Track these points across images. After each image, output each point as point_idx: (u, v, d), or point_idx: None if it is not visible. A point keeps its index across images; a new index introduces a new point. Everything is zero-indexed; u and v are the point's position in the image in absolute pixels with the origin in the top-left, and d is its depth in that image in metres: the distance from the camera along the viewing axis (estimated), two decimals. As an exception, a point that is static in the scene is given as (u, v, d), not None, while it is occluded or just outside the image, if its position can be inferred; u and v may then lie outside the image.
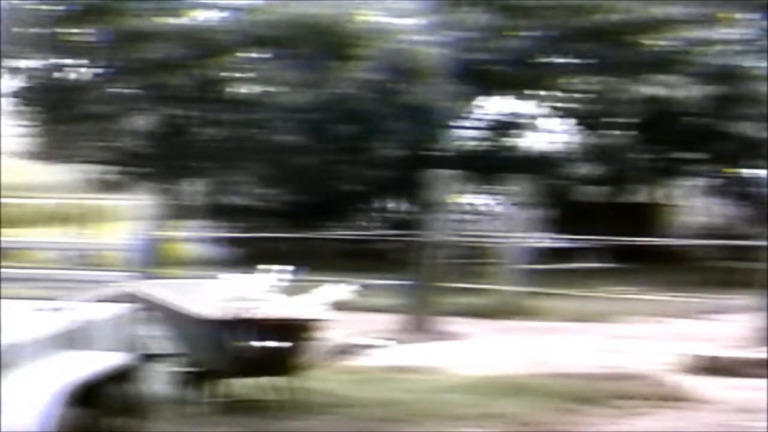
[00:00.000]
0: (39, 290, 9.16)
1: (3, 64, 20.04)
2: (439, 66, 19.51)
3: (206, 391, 8.40)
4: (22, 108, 20.60)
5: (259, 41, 20.12)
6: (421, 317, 13.05)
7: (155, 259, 13.03)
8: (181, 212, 20.96)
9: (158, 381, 6.94)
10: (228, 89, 20.61)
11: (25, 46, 19.96)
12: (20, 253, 17.44)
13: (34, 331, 5.34)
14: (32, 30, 19.77)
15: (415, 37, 19.85)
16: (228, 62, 20.18)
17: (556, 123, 23.09)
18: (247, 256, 17.22)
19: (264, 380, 8.58)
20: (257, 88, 20.77)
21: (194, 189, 21.68)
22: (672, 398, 9.30)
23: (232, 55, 20.22)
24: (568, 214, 21.15)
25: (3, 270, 10.88)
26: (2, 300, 6.62)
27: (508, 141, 22.65)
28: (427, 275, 13.33)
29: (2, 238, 17.76)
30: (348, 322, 9.93)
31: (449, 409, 8.66)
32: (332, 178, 20.47)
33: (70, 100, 19.83)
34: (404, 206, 22.45)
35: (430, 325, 12.98)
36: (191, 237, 21.16)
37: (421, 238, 13.67)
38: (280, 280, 8.48)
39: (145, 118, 19.57)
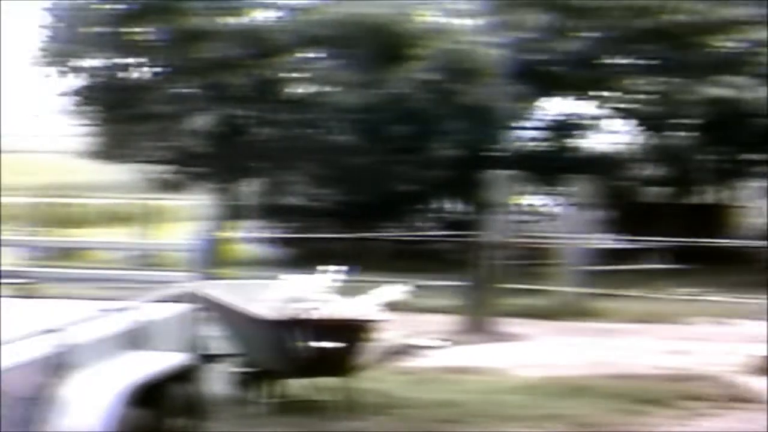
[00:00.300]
0: (102, 290, 9.17)
1: (65, 63, 20.21)
2: (498, 66, 19.39)
3: (263, 391, 8.40)
4: (84, 107, 20.77)
5: (315, 41, 20.13)
6: (478, 318, 12.96)
7: (214, 260, 13.05)
8: (239, 212, 21.04)
9: (217, 381, 6.94)
10: (285, 89, 20.63)
11: (87, 45, 20.13)
12: (83, 253, 17.59)
13: (98, 332, 5.36)
14: (94, 29, 19.94)
15: (474, 38, 19.74)
16: (285, 62, 20.21)
17: (619, 124, 22.87)
18: (303, 257, 17.25)
19: (320, 381, 8.56)
20: (313, 88, 20.78)
21: (251, 189, 21.74)
22: (737, 399, 9.16)
23: (289, 54, 20.24)
24: (630, 214, 20.94)
25: (66, 270, 10.95)
26: (66, 300, 6.67)
27: (569, 142, 22.47)
28: (485, 276, 13.22)
29: (66, 238, 17.95)
30: (404, 323, 9.88)
31: (508, 411, 8.58)
32: (387, 178, 20.41)
33: (130, 99, 19.96)
34: (461, 207, 22.35)
35: (488, 326, 12.88)
36: (248, 237, 21.24)
37: (479, 239, 13.57)
38: (336, 280, 8.45)
39: (204, 117, 19.65)
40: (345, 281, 8.49)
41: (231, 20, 20.29)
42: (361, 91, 19.45)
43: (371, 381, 8.72)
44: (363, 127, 19.73)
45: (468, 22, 20.46)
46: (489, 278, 13.23)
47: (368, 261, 12.78)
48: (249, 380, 8.30)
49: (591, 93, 21.85)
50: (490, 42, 19.57)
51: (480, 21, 20.26)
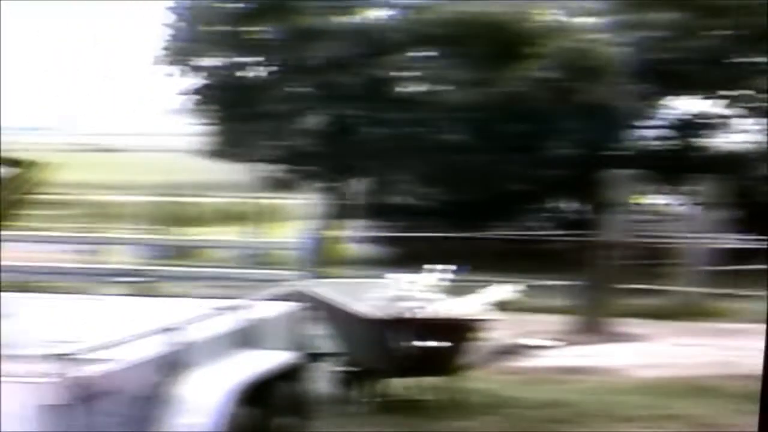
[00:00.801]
0: (215, 289, 9.36)
1: (186, 62, 20.53)
2: (621, 65, 19.14)
3: (367, 390, 8.42)
4: (202, 106, 21.09)
5: (428, 39, 20.13)
6: (594, 318, 12.82)
7: (321, 258, 13.16)
8: (347, 211, 21.15)
9: (322, 380, 7.00)
10: (396, 88, 20.67)
11: (206, 44, 20.44)
12: (198, 251, 17.88)
13: (211, 330, 5.43)
14: (213, 28, 20.25)
15: (596, 36, 19.53)
16: (397, 61, 20.26)
17: (747, 123, 22.37)
18: (410, 256, 17.22)
19: (425, 380, 8.55)
20: (425, 87, 20.78)
21: (359, 188, 21.84)
22: None
23: (401, 53, 20.28)
24: (756, 214, 20.48)
25: (182, 269, 11.18)
26: (182, 299, 6.81)
27: (695, 141, 22.07)
28: (601, 276, 13.08)
29: (181, 237, 18.27)
30: (515, 323, 9.81)
31: (623, 411, 8.46)
32: (500, 177, 20.30)
33: (246, 98, 20.21)
34: (577, 206, 22.11)
35: (604, 327, 12.74)
36: (355, 236, 21.34)
37: (596, 238, 13.43)
38: (444, 279, 8.44)
39: (315, 117, 19.81)
40: (453, 280, 8.48)
41: (344, 19, 20.43)
42: (475, 90, 19.38)
43: (478, 381, 8.69)
44: (476, 126, 19.67)
45: (590, 20, 20.25)
46: (606, 278, 13.09)
47: (478, 260, 12.72)
48: (353, 379, 8.34)
49: (719, 92, 21.43)
50: (614, 40, 19.34)
51: (603, 19, 20.04)
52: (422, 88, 20.89)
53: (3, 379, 4.50)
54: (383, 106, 19.96)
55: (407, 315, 8.18)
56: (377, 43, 19.98)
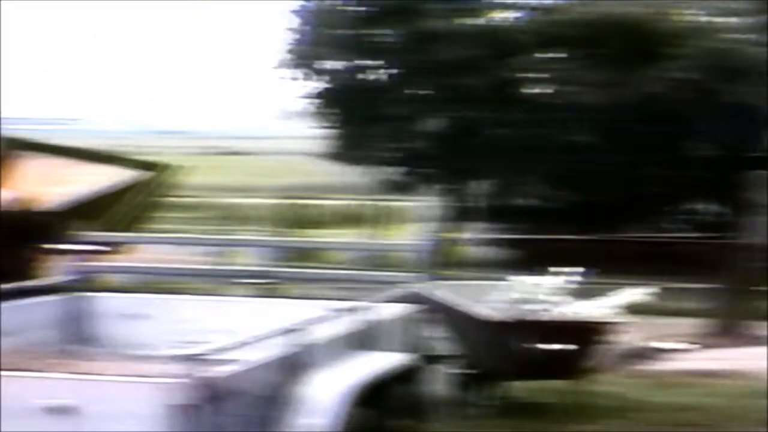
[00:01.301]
0: (335, 290, 9.44)
1: (308, 65, 20.72)
2: (762, 65, 18.65)
3: (486, 392, 8.40)
4: (323, 109, 21.25)
5: (557, 41, 19.93)
6: (729, 321, 12.54)
7: (440, 260, 13.16)
8: (467, 214, 21.11)
9: (440, 382, 7.01)
10: (522, 89, 20.53)
11: (329, 47, 20.59)
12: (319, 253, 18.05)
13: (330, 332, 5.45)
14: (336, 31, 20.38)
15: (738, 36, 19.09)
16: (523, 62, 20.11)
17: None
18: (533, 258, 17.07)
19: (547, 383, 8.49)
20: (553, 89, 20.58)
21: (480, 190, 21.76)
22: None
23: (528, 55, 20.12)
24: None
25: (304, 271, 11.32)
26: (303, 300, 6.91)
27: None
28: (738, 278, 12.80)
29: (303, 239, 18.48)
30: (646, 326, 9.65)
31: (757, 415, 8.24)
32: (632, 178, 19.97)
33: (367, 101, 20.29)
34: (714, 208, 21.64)
35: (739, 330, 12.46)
36: (476, 238, 21.29)
37: (734, 240, 13.13)
38: (570, 282, 8.37)
39: (438, 119, 19.80)
40: (580, 283, 8.40)
41: (470, 21, 20.37)
42: (606, 91, 19.11)
43: (606, 384, 8.57)
44: (607, 127, 19.41)
45: (732, 20, 19.78)
46: (743, 280, 12.81)
47: (609, 263, 12.54)
48: (471, 382, 8.30)
49: None
50: (756, 40, 18.89)
51: (745, 19, 19.58)
52: (550, 89, 20.70)
53: (135, 379, 4.64)
54: (509, 108, 19.83)
55: (532, 317, 8.14)
56: (504, 45, 19.86)
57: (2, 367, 4.68)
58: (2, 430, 4.29)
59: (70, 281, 6.86)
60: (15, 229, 8.99)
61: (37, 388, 4.33)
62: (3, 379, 4.42)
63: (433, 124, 19.62)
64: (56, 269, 8.46)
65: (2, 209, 9.08)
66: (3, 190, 9.70)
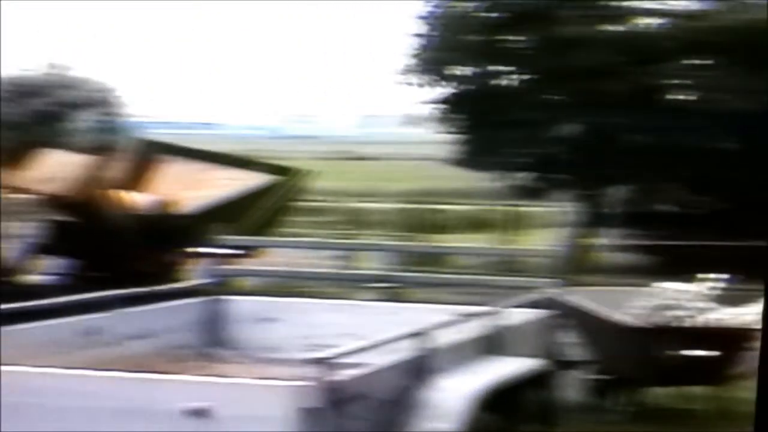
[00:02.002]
0: (462, 295, 9.50)
1: (436, 71, 20.75)
2: None
3: (621, 399, 8.35)
4: (450, 115, 21.24)
5: (700, 47, 19.54)
6: None
7: (574, 266, 13.08)
8: (603, 219, 20.89)
9: (572, 388, 6.99)
10: (663, 96, 20.17)
11: (458, 52, 20.56)
12: (444, 258, 18.11)
13: (457, 336, 5.49)
14: (466, 37, 20.34)
15: None
16: (665, 69, 19.77)
17: None
18: (671, 265, 16.85)
19: (688, 389, 8.39)
20: (695, 95, 20.17)
21: (615, 196, 21.51)
22: None
23: (670, 61, 19.76)
24: None
25: (429, 275, 11.40)
26: (428, 305, 6.99)
27: None
28: None
29: (428, 244, 18.56)
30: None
31: None
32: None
33: (497, 106, 20.21)
34: None
35: None
36: (611, 244, 21.07)
37: None
38: (713, 288, 8.27)
39: (571, 125, 19.62)
40: (724, 289, 8.29)
41: (609, 27, 20.13)
42: (750, 97, 18.66)
43: (750, 391, 8.44)
44: (749, 134, 18.97)
45: None
46: None
47: (750, 269, 12.29)
48: (606, 387, 8.28)
49: None
50: None
51: None
52: (692, 96, 20.32)
53: (265, 382, 4.78)
54: (648, 114, 19.54)
55: (674, 324, 8.07)
56: (645, 51, 19.57)
57: (144, 369, 4.88)
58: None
59: (207, 284, 7.06)
60: (155, 232, 9.30)
61: (176, 390, 4.46)
62: (145, 382, 4.59)
63: (568, 129, 19.44)
64: (194, 272, 8.70)
65: (143, 213, 9.39)
66: (144, 193, 10.03)
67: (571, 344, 7.28)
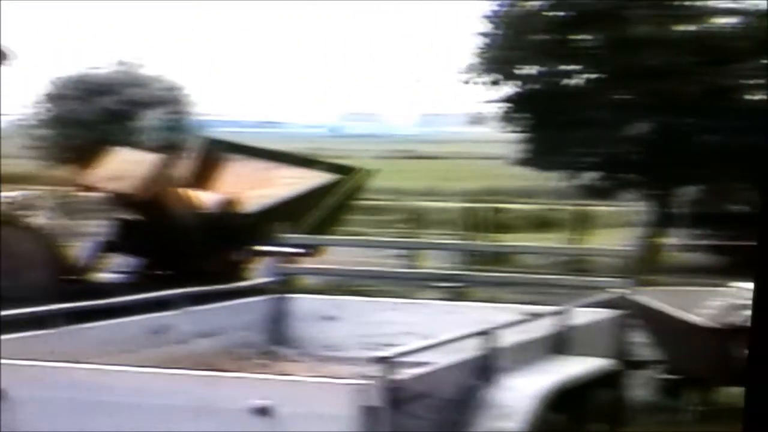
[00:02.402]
0: (528, 295, 9.47)
1: (498, 69, 20.66)
2: None
3: (692, 399, 8.28)
4: (516, 114, 21.14)
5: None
6: None
7: (643, 266, 12.98)
8: (673, 219, 20.71)
9: (642, 387, 6.92)
10: (733, 96, 19.91)
11: (525, 52, 20.46)
12: (509, 257, 18.06)
13: (523, 336, 5.46)
14: (530, 36, 20.23)
15: None
16: (735, 69, 19.50)
17: None
18: (742, 265, 16.63)
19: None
20: (767, 95, 19.83)
21: (685, 196, 21.30)
22: None
23: (740, 61, 19.49)
24: None
25: (494, 274, 11.36)
26: (494, 304, 6.99)
27: None
28: None
29: (494, 243, 18.52)
30: None
31: None
32: None
33: (564, 106, 20.08)
34: None
35: None
36: (682, 244, 20.88)
37: None
38: None
39: (640, 124, 19.45)
40: None
41: (680, 27, 19.91)
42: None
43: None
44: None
45: None
46: None
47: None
48: (677, 387, 8.22)
49: None
50: None
51: None
52: (765, 96, 20.01)
53: (328, 380, 4.82)
54: (719, 114, 19.30)
55: (747, 324, 7.98)
56: (717, 51, 19.34)
57: (210, 368, 4.94)
58: (210, 431, 4.44)
59: (270, 283, 7.12)
60: (220, 231, 9.40)
61: (240, 388, 4.49)
62: (211, 380, 4.64)
63: (637, 129, 19.26)
64: (258, 271, 8.78)
65: (208, 211, 9.49)
66: (209, 192, 10.13)
67: (642, 344, 7.22)
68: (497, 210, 23.53)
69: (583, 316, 5.99)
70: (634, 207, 16.88)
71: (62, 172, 34.47)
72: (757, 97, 20.05)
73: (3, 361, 4.68)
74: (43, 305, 5.54)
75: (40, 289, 8.17)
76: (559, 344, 5.70)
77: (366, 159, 24.36)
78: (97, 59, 46.76)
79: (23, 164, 34.30)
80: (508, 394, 5.00)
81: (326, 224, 11.40)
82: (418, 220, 23.51)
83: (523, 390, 5.04)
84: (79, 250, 9.53)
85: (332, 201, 11.40)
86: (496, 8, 20.93)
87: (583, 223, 22.05)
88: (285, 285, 7.16)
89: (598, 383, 5.70)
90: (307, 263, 9.49)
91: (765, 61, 19.62)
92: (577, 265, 17.34)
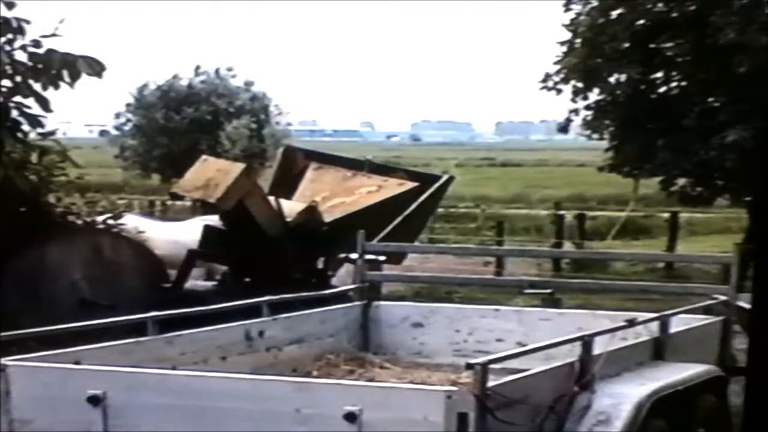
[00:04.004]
0: (621, 302, 9.37)
1: (584, 77, 20.47)
2: None
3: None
4: (605, 121, 20.96)
5: None
6: None
7: (742, 272, 12.76)
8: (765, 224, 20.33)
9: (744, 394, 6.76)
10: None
11: (611, 58, 20.28)
12: (605, 264, 17.87)
13: (622, 342, 5.38)
14: (619, 43, 20.05)
15: None
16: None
17: None
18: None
19: None
20: None
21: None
22: None
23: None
24: None
25: (580, 281, 11.23)
26: (587, 311, 6.90)
27: None
28: None
29: (588, 250, 18.37)
30: None
31: None
32: None
33: (654, 113, 19.83)
34: None
35: None
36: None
37: None
38: None
39: (737, 131, 19.16)
40: None
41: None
42: None
43: None
44: None
45: None
46: None
47: None
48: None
49: None
50: None
51: None
52: None
53: (416, 387, 4.78)
54: None
55: None
56: None
57: (301, 374, 4.94)
58: None
59: (357, 290, 7.12)
60: (304, 239, 9.43)
61: (331, 395, 4.47)
62: (302, 385, 4.63)
63: (731, 136, 18.98)
64: (344, 279, 8.78)
65: (293, 220, 9.53)
66: (294, 201, 10.18)
67: (744, 350, 7.09)
68: (591, 217, 23.27)
69: (683, 322, 5.90)
70: (732, 213, 16.57)
71: (152, 181, 35.04)
72: None
73: (102, 368, 4.76)
74: (138, 313, 5.62)
75: (135, 297, 8.28)
76: (659, 351, 5.61)
77: (454, 167, 24.32)
78: (184, 68, 47.29)
79: (115, 173, 34.90)
80: (606, 400, 4.91)
81: (411, 231, 11.38)
82: (509, 227, 23.35)
83: (621, 396, 4.95)
84: (170, 258, 9.62)
85: (416, 208, 11.38)
86: (575, 17, 20.78)
87: (678, 229, 21.76)
88: (371, 292, 7.15)
89: (700, 389, 5.60)
90: (392, 270, 9.48)
91: None
92: (673, 271, 17.10)
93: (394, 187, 11.10)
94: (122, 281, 8.92)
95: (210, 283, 9.53)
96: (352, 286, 7.21)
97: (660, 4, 19.76)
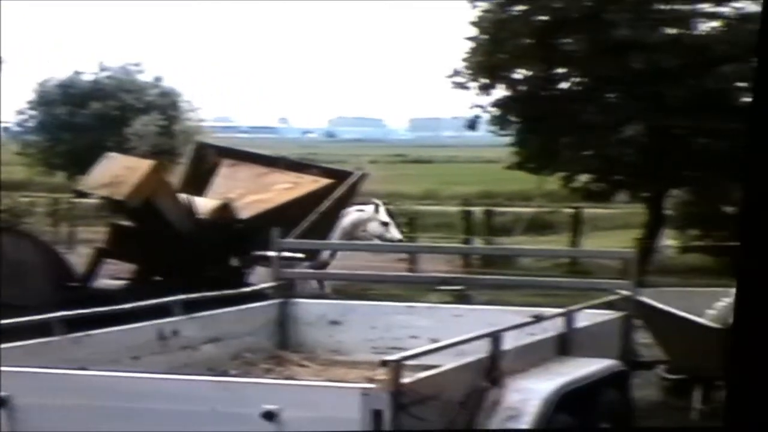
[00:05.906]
0: (530, 297, 9.45)
1: (489, 74, 20.62)
2: None
3: (698, 398, 8.27)
4: (506, 118, 21.15)
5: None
6: None
7: (642, 267, 12.98)
8: (668, 221, 20.71)
9: (649, 388, 6.88)
10: (727, 99, 19.94)
11: (510, 56, 20.47)
12: (510, 260, 18.03)
13: (527, 338, 5.48)
14: (520, 40, 20.25)
15: None
16: (723, 71, 19.55)
17: None
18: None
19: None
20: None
21: (683, 198, 21.32)
22: None
23: (728, 64, 19.55)
24: None
25: (495, 277, 11.33)
26: (496, 307, 6.96)
27: None
28: None
29: (493, 246, 18.50)
30: None
31: None
32: None
33: (556, 109, 20.08)
34: None
35: None
36: (677, 245, 20.89)
37: None
38: None
39: (633, 127, 19.47)
40: None
41: (667, 30, 19.96)
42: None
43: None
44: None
45: None
46: None
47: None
48: (682, 387, 8.22)
49: None
50: None
51: None
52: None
53: (333, 384, 4.78)
54: (710, 117, 19.32)
55: None
56: (703, 54, 19.38)
57: (217, 373, 4.89)
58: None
59: (272, 288, 7.08)
60: (217, 236, 9.34)
61: (247, 393, 4.49)
62: (219, 384, 4.61)
63: (629, 132, 19.28)
64: (258, 277, 8.73)
65: (205, 217, 9.43)
66: (207, 198, 10.07)
67: (645, 344, 7.20)
68: (496, 213, 23.48)
69: (586, 317, 5.98)
70: (631, 208, 16.85)
71: (56, 178, 34.47)
72: (744, 99, 20.11)
73: (7, 369, 4.64)
74: (45, 313, 5.49)
75: (41, 297, 8.11)
76: (563, 346, 5.69)
77: (363, 163, 24.33)
78: (90, 63, 46.64)
79: (17, 171, 34.25)
80: (514, 395, 4.99)
81: (325, 228, 11.34)
82: (419, 223, 23.44)
83: (528, 391, 5.04)
84: (76, 256, 9.46)
85: (331, 205, 11.34)
86: (482, 14, 20.93)
87: (580, 225, 22.05)
88: (286, 290, 7.11)
89: (604, 384, 5.70)
90: (308, 268, 9.44)
91: (748, 65, 19.68)
92: (576, 266, 17.32)
93: (309, 183, 11.06)
94: (26, 280, 8.74)
95: (120, 282, 9.38)
96: (269, 284, 7.17)
97: (558, 2, 20.00)
